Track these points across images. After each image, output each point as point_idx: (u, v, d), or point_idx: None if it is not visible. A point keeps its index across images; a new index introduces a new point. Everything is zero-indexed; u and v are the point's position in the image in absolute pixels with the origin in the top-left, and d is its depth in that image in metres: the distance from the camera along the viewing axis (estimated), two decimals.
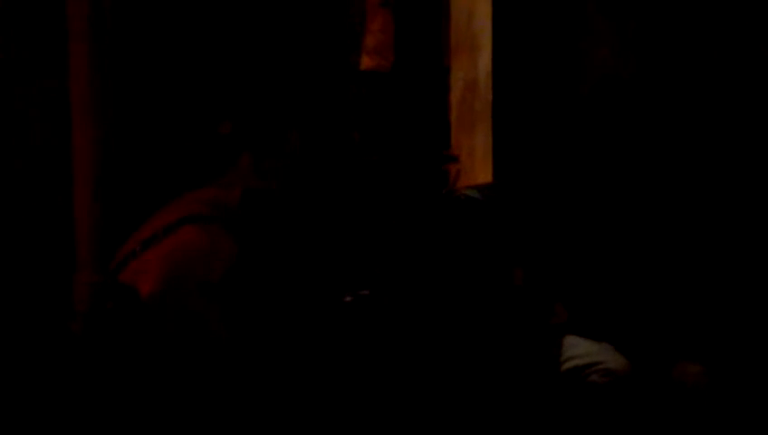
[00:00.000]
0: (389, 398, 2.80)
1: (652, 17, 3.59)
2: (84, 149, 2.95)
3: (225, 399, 2.52)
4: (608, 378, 2.89)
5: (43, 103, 3.11)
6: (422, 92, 3.82)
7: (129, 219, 2.82)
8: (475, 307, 2.98)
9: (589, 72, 3.67)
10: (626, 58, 3.63)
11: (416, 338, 2.89)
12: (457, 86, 3.84)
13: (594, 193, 3.16)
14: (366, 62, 3.80)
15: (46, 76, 3.08)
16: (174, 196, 2.81)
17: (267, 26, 3.53)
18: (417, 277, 3.02)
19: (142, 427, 2.46)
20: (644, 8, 3.60)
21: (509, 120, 3.68)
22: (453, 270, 3.02)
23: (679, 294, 3.07)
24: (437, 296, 2.97)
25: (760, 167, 3.37)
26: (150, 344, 2.49)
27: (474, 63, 3.78)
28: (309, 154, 3.00)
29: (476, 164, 3.71)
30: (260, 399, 2.56)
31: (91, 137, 2.90)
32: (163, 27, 3.33)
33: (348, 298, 2.92)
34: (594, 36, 3.69)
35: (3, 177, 3.08)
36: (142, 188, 3.14)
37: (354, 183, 3.16)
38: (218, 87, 3.28)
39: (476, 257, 3.06)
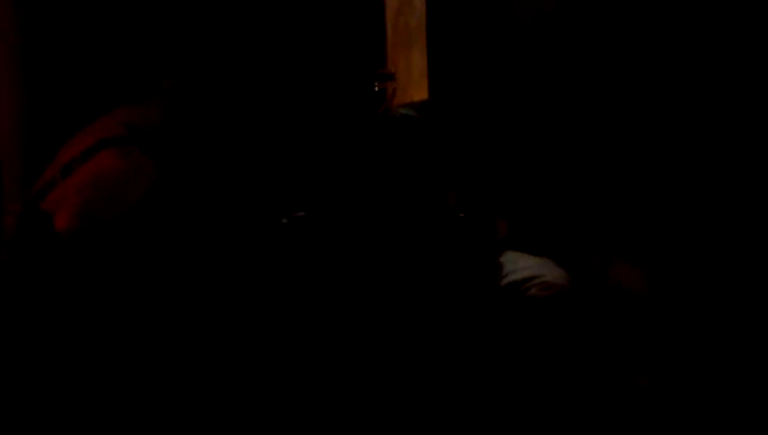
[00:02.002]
0: (323, 318, 2.79)
1: None
2: (8, 74, 2.90)
3: (147, 328, 2.51)
4: (547, 291, 2.88)
5: None
6: (357, 10, 3.77)
7: (56, 146, 2.78)
8: (410, 227, 2.97)
9: None
10: None
11: (352, 259, 2.88)
12: (393, 4, 3.80)
13: (527, 105, 3.15)
14: None
15: None
16: (96, 116, 2.77)
17: None
18: (353, 198, 3.00)
19: (56, 358, 2.45)
20: None
21: (444, 38, 3.64)
22: (388, 190, 3.00)
23: (616, 199, 3.08)
24: (374, 216, 2.96)
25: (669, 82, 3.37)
26: (68, 276, 2.48)
27: None
28: (239, 73, 2.96)
29: (413, 82, 3.68)
30: (182, 325, 2.55)
31: (14, 60, 2.83)
32: None
33: (284, 220, 2.90)
34: None
35: None
36: (70, 111, 3.10)
37: (288, 102, 3.12)
38: (146, 8, 3.23)
39: (411, 176, 3.04)
